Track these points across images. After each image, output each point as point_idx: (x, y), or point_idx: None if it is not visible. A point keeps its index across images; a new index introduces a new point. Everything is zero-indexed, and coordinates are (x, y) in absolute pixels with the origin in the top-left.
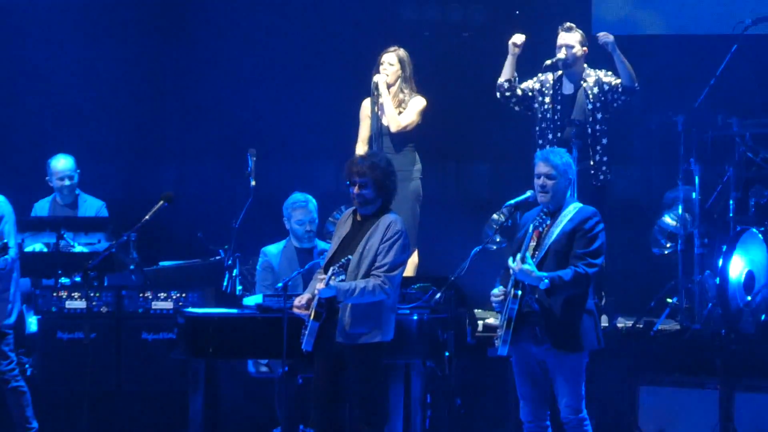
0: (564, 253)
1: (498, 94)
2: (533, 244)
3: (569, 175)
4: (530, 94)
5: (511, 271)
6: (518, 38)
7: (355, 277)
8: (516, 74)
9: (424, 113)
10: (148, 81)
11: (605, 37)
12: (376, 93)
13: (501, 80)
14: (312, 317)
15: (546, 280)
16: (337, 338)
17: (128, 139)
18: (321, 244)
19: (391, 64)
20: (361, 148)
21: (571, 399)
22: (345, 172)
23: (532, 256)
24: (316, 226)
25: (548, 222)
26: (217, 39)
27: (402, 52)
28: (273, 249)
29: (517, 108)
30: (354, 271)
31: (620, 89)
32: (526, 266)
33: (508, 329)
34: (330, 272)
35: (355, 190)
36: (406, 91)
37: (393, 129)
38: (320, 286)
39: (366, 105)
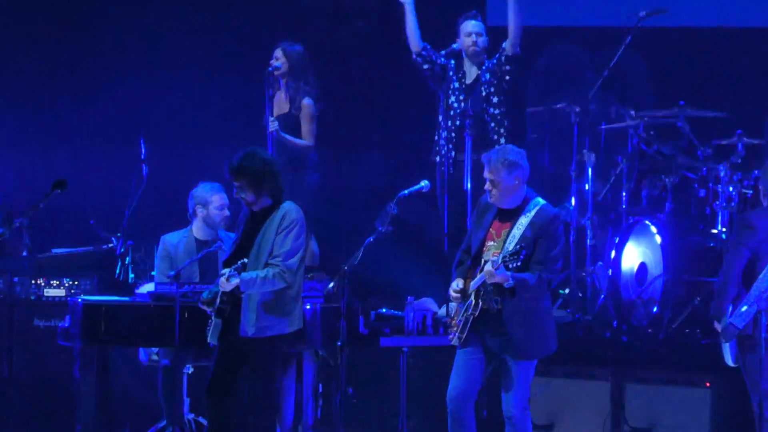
0: (527, 258)
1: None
2: (492, 244)
3: (516, 172)
4: (441, 72)
5: (480, 273)
6: None
7: (257, 269)
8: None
9: (316, 111)
10: (40, 66)
11: None
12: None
13: (414, 52)
14: (215, 315)
15: (511, 281)
16: (243, 333)
17: (20, 125)
18: (221, 233)
19: (276, 58)
20: None
21: (522, 395)
22: None
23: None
24: None
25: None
26: (111, 24)
27: (290, 48)
28: (173, 238)
29: (429, 74)
30: (253, 265)
31: (504, 59)
32: (498, 274)
33: (464, 328)
34: (229, 270)
35: (236, 193)
36: (299, 87)
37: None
38: (222, 281)
39: None
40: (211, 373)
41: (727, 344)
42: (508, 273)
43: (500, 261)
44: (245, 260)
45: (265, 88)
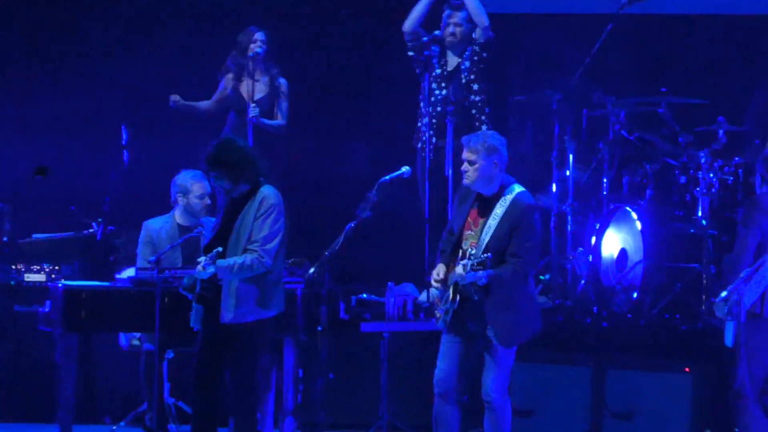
0: (503, 250)
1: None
2: (470, 233)
3: (494, 157)
4: (426, 60)
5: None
6: None
7: (236, 255)
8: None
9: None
10: (20, 51)
11: None
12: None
13: (407, 32)
14: (196, 301)
15: (484, 279)
16: (222, 318)
17: (0, 111)
18: (203, 219)
19: (264, 42)
20: None
21: (501, 381)
22: None
23: (471, 247)
24: None
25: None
26: (92, 9)
27: (267, 34)
28: (155, 224)
29: (414, 56)
30: (233, 250)
31: (478, 47)
32: (469, 278)
33: (446, 316)
34: (205, 259)
35: (214, 182)
36: (274, 70)
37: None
38: (199, 270)
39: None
40: (197, 360)
41: (731, 324)
42: (481, 273)
43: (469, 267)
44: (220, 249)
45: (253, 73)
